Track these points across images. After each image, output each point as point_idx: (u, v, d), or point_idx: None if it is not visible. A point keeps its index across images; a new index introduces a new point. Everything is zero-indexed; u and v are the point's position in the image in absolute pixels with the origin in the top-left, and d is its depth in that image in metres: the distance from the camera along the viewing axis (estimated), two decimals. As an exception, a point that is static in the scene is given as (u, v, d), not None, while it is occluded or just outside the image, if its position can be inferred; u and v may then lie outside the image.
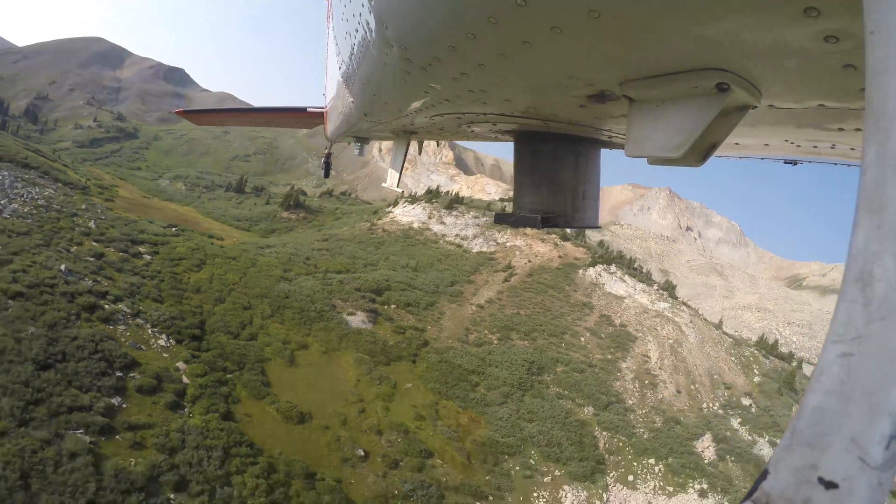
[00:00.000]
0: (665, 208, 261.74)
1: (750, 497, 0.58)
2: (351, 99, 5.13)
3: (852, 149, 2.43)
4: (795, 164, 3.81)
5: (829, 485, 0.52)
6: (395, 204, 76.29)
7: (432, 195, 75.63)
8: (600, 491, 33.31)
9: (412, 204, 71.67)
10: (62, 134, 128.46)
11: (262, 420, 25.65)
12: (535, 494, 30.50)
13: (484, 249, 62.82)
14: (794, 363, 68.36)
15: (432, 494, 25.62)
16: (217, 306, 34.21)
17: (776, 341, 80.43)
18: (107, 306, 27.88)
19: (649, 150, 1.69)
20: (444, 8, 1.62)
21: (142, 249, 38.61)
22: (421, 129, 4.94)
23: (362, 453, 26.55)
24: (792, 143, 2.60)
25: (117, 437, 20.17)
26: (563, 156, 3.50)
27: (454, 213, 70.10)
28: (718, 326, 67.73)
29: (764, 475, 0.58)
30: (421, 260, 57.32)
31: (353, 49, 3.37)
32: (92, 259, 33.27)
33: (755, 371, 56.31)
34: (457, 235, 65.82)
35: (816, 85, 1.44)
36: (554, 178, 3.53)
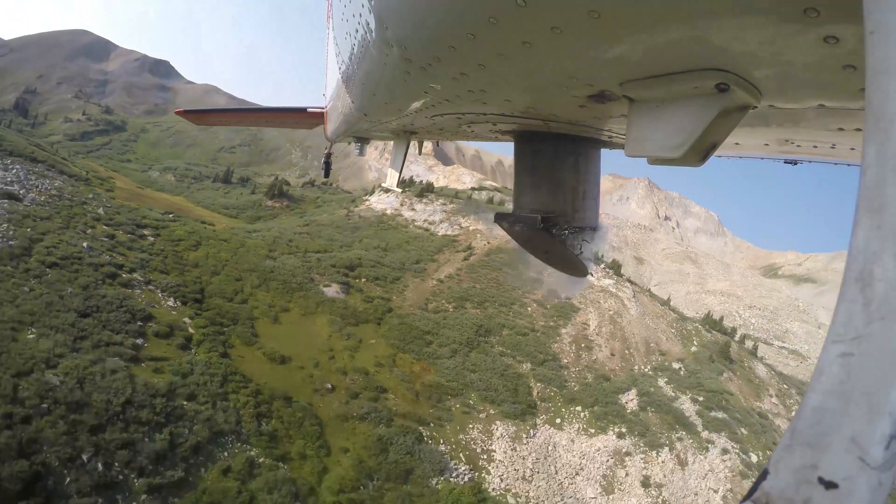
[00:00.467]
0: (644, 198, 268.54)
1: (750, 497, 0.58)
2: (351, 99, 5.17)
3: (852, 149, 2.45)
4: (795, 163, 3.81)
5: (829, 485, 0.52)
6: (372, 193, 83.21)
7: (405, 185, 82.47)
8: (528, 428, 39.37)
9: (386, 193, 78.58)
10: (53, 128, 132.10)
11: (251, 360, 32.86)
12: (471, 426, 37.06)
13: (448, 233, 69.68)
14: (738, 337, 75.24)
15: (384, 417, 33.02)
16: (213, 278, 41.20)
17: (721, 318, 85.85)
18: (124, 275, 34.74)
19: (649, 150, 1.72)
20: (444, 8, 1.66)
21: (146, 232, 45.27)
22: (421, 130, 4.99)
23: (330, 386, 33.89)
24: (792, 143, 2.62)
25: (143, 364, 27.28)
26: (563, 156, 3.51)
27: (424, 200, 77.16)
28: (665, 303, 72.74)
29: (764, 475, 0.58)
30: (391, 242, 64.32)
31: (353, 49, 3.44)
32: (106, 239, 39.94)
33: (694, 342, 60.36)
34: (425, 220, 72.70)
35: (816, 85, 1.45)
36: (554, 177, 3.55)
